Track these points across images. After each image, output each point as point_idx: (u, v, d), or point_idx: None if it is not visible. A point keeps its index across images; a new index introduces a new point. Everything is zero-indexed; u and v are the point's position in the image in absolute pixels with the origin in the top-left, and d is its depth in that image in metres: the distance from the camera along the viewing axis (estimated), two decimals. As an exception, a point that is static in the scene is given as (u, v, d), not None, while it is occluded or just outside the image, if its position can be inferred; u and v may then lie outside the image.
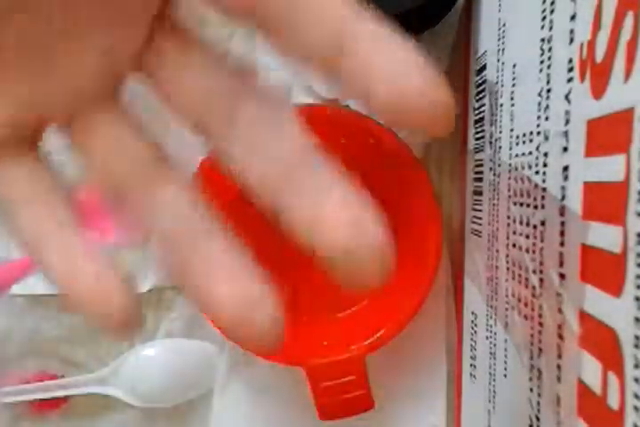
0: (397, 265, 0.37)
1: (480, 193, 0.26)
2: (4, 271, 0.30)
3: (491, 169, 0.24)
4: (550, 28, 0.17)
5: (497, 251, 0.23)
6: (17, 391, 0.32)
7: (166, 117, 0.15)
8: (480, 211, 0.26)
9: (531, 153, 0.19)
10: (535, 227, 0.18)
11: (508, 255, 0.21)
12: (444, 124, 0.11)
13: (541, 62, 0.18)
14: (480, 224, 0.26)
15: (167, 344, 0.33)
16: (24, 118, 0.15)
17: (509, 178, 0.21)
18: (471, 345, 0.28)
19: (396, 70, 0.11)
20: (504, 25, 0.22)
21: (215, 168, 0.29)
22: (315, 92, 0.31)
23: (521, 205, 0.20)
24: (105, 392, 0.32)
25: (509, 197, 0.21)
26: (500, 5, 0.23)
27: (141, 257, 0.32)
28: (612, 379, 0.12)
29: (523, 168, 0.19)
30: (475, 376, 0.27)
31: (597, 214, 0.13)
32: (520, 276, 0.20)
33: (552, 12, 0.17)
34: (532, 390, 0.18)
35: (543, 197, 0.17)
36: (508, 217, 0.21)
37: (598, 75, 0.13)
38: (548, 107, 0.17)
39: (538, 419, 0.17)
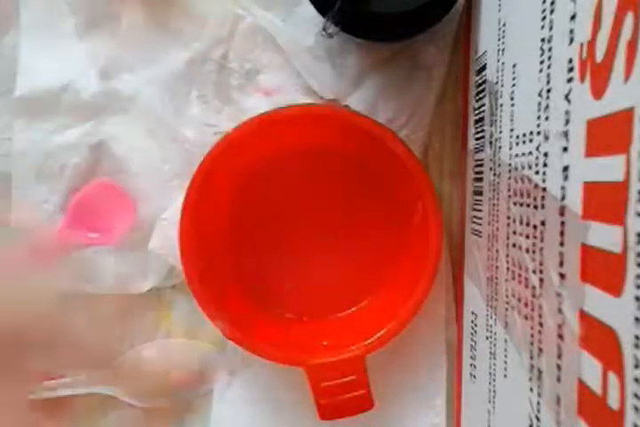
0: (397, 265, 0.37)
1: (480, 193, 0.26)
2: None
3: (491, 169, 0.24)
4: (550, 28, 0.17)
5: (497, 251, 0.23)
6: (17, 391, 0.32)
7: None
8: (480, 211, 0.26)
9: (531, 153, 0.19)
10: (535, 227, 0.18)
11: (508, 255, 0.21)
12: None
13: (541, 62, 0.18)
14: (480, 224, 0.26)
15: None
16: None
17: (509, 178, 0.21)
18: (471, 345, 0.28)
19: None
20: (504, 25, 0.22)
21: (218, 176, 0.28)
22: (315, 92, 0.31)
23: (521, 205, 0.20)
24: (105, 392, 0.32)
25: (509, 197, 0.21)
26: (499, 5, 0.23)
27: (141, 257, 0.32)
28: (612, 379, 0.12)
29: (523, 168, 0.19)
30: (475, 376, 0.27)
31: (597, 214, 0.13)
32: (520, 276, 0.20)
33: (552, 12, 0.17)
34: (532, 390, 0.18)
35: (543, 197, 0.17)
36: (508, 217, 0.21)
37: (598, 75, 0.13)
38: (547, 107, 0.17)
39: (538, 419, 0.17)
